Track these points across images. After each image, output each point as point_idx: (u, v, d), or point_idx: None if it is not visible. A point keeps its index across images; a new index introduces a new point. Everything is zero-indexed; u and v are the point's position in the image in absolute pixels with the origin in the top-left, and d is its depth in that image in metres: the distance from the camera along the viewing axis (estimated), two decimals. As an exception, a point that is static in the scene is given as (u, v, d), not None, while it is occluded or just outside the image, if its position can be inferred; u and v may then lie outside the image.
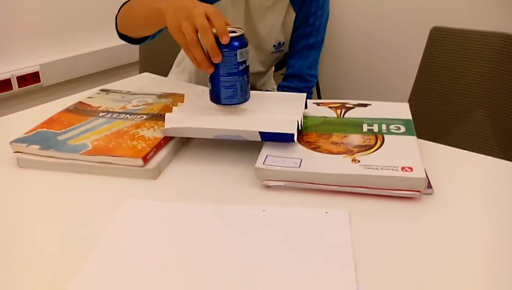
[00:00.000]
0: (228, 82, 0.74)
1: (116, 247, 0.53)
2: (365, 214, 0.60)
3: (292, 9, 1.16)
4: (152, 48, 1.76)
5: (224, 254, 0.52)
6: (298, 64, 1.22)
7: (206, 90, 0.82)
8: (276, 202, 0.63)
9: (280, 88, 1.26)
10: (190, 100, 0.82)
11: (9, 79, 1.68)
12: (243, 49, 0.73)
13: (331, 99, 0.90)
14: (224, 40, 0.70)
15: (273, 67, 1.43)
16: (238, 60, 0.73)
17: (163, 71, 1.49)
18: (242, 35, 0.73)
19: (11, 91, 1.70)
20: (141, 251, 0.53)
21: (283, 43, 1.22)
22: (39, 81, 1.78)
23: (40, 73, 1.77)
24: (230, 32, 0.72)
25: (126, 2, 1.00)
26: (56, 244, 0.55)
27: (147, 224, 0.58)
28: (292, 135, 0.69)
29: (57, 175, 0.70)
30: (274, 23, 1.16)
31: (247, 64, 0.74)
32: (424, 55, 1.41)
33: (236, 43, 0.72)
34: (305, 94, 0.79)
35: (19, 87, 1.72)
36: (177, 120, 0.74)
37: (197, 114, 0.77)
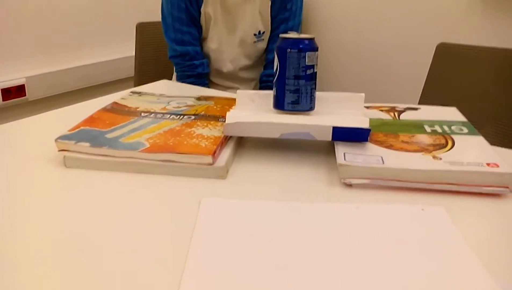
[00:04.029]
0: (294, 86, 0.71)
1: (213, 248, 0.48)
2: (454, 211, 0.57)
3: None
4: (148, 63, 1.71)
5: (333, 254, 0.47)
6: None
7: (258, 93, 0.78)
8: (361, 201, 0.59)
9: (265, 76, 1.36)
10: (243, 102, 0.77)
11: (-7, 91, 1.57)
12: (312, 52, 0.70)
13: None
14: None
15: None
16: (307, 64, 0.70)
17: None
18: (312, 39, 0.72)
19: (-6, 104, 1.59)
20: (242, 249, 0.47)
21: (263, 32, 1.32)
22: (25, 95, 1.67)
23: (26, 86, 1.66)
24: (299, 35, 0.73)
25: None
26: (141, 251, 0.48)
27: (238, 223, 0.52)
28: (368, 130, 0.66)
29: (112, 175, 0.63)
30: (251, 13, 1.28)
31: (314, 71, 0.72)
32: (430, 71, 1.43)
33: (305, 46, 0.70)
34: (363, 94, 0.76)
35: (3, 100, 1.61)
36: (239, 117, 0.69)
37: (257, 113, 0.73)
